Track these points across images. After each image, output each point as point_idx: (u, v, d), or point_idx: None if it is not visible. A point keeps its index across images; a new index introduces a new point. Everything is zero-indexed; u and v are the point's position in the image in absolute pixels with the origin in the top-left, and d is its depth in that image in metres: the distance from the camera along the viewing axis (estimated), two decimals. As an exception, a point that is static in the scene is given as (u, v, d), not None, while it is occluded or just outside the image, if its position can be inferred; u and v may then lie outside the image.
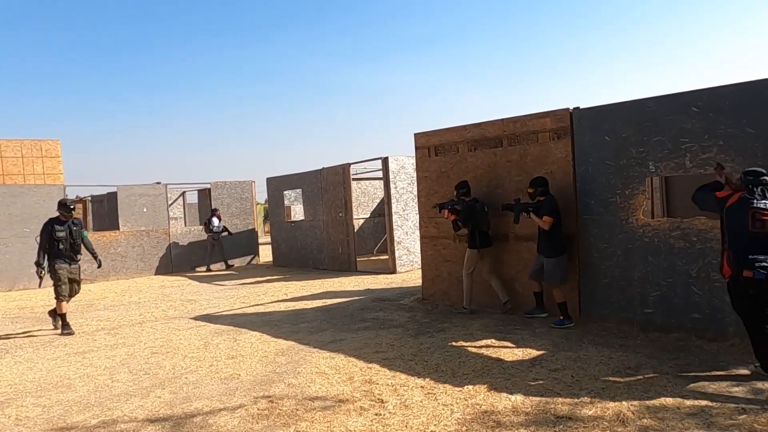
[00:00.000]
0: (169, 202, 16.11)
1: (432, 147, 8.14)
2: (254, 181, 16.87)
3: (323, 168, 13.79)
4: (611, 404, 4.02)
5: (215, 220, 15.29)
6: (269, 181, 15.89)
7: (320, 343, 6.25)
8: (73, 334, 7.48)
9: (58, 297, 7.55)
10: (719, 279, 5.41)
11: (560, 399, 4.19)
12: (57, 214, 7.69)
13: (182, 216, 19.62)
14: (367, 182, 17.72)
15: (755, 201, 4.31)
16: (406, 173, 12.20)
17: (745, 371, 4.58)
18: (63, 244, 7.50)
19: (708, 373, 4.57)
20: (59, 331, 7.65)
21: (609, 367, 4.87)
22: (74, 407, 4.65)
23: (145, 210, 14.82)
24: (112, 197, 16.08)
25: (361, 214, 16.35)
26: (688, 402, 4.00)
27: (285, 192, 15.84)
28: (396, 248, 11.96)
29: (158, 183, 15.24)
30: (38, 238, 7.59)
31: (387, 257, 12.72)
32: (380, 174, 17.28)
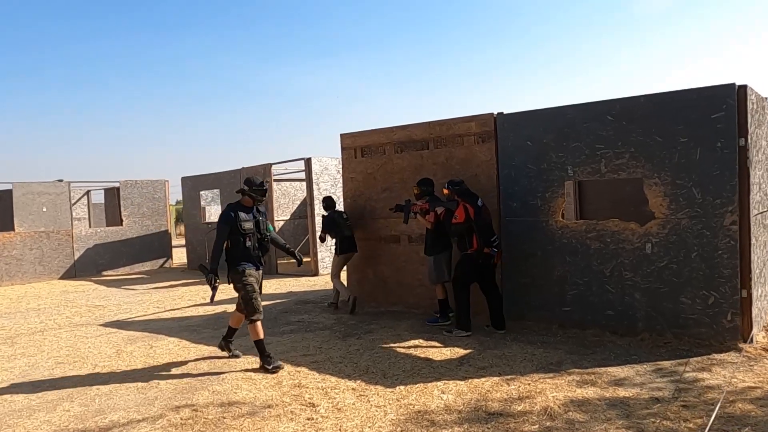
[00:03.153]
0: (73, 202, 15.00)
1: (358, 148, 8.11)
2: (168, 181, 16.10)
3: (243, 168, 13.38)
4: (539, 399, 4.15)
5: None
6: (184, 180, 15.20)
7: (244, 348, 6.01)
8: (281, 367, 5.21)
9: (253, 314, 5.22)
10: (631, 278, 5.77)
11: (490, 396, 4.27)
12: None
13: (87, 216, 18.30)
14: (288, 183, 17.40)
15: (479, 201, 6.13)
16: (329, 174, 12.09)
17: (663, 363, 4.88)
18: (251, 239, 5.35)
19: (622, 367, 4.84)
20: (236, 357, 5.65)
21: (533, 363, 5.04)
22: (-33, 426, 4.18)
23: (44, 210, 13.70)
24: (5, 195, 14.74)
25: (281, 215, 16.02)
26: (608, 394, 4.21)
27: (201, 192, 15.21)
28: (319, 250, 11.80)
29: (60, 181, 14.14)
30: (212, 232, 5.52)
31: (309, 259, 12.53)
32: (301, 175, 17.06)
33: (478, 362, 5.14)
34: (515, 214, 6.58)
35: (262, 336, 5.26)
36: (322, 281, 10.93)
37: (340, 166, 12.40)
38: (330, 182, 12.04)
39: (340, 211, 8.17)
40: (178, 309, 8.70)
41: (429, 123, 7.33)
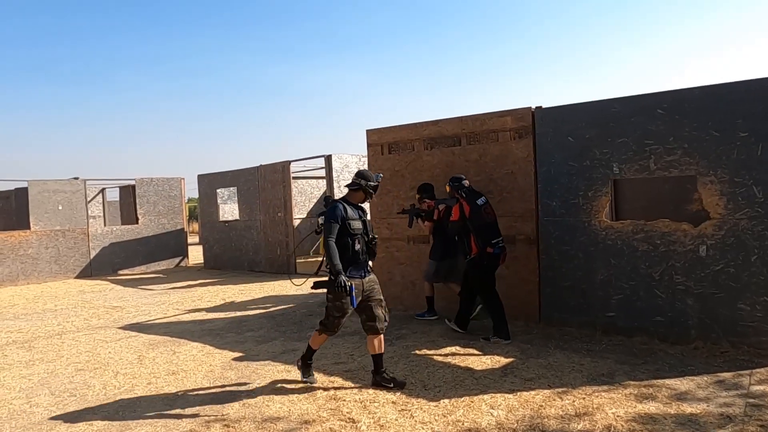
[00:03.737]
0: (88, 200, 14.83)
1: (385, 144, 7.79)
2: (183, 178, 15.89)
3: (261, 165, 13.12)
4: (599, 416, 3.82)
5: None
6: (201, 178, 14.97)
7: (271, 354, 5.73)
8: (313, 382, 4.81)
9: (327, 329, 4.62)
10: (682, 282, 5.41)
11: (544, 412, 3.94)
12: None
13: (102, 215, 18.16)
14: (304, 181, 17.14)
15: (480, 199, 5.86)
16: (350, 172, 11.78)
17: (724, 375, 4.52)
18: (359, 242, 4.62)
19: (681, 379, 4.49)
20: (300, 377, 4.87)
21: (583, 374, 4.70)
22: (-15, 441, 3.93)
23: (60, 208, 13.53)
24: (21, 193, 14.61)
25: (297, 214, 15.76)
26: (672, 411, 3.87)
27: (218, 190, 14.98)
28: (339, 250, 11.50)
29: (76, 178, 13.97)
30: (320, 227, 4.68)
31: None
32: (318, 173, 16.80)
33: (524, 372, 4.81)
34: (554, 214, 6.23)
35: (317, 347, 4.79)
36: (344, 282, 10.63)
37: (361, 163, 12.13)
38: (351, 180, 11.72)
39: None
40: (198, 311, 8.44)
41: (461, 118, 6.99)
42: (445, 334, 6.21)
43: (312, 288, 4.57)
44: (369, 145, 7.99)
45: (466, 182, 6.04)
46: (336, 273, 4.33)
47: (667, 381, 4.45)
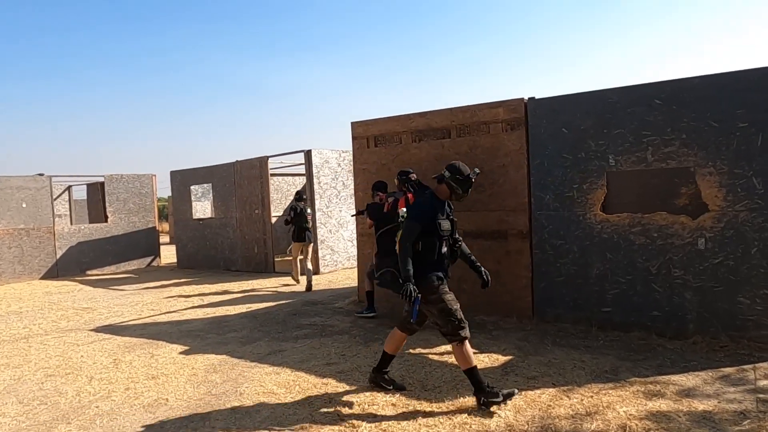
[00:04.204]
0: (53, 197, 14.19)
1: (371, 137, 7.54)
2: (155, 175, 15.35)
3: (237, 161, 12.73)
4: (611, 415, 3.65)
5: None
6: (174, 174, 14.47)
7: (257, 356, 5.44)
8: (514, 394, 4.03)
9: (459, 331, 3.90)
10: (680, 276, 5.31)
11: (553, 411, 3.76)
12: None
13: (68, 213, 17.45)
14: (280, 178, 16.77)
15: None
16: (330, 168, 11.50)
17: (727, 370, 4.42)
18: (446, 244, 4.09)
19: (685, 375, 4.37)
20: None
21: (586, 371, 4.55)
22: (-55, 456, 3.55)
23: (24, 205, 12.89)
24: (-19, 190, 13.88)
25: (273, 211, 15.37)
26: (684, 408, 3.74)
27: (192, 187, 14.50)
28: (319, 247, 11.21)
29: (41, 174, 13.33)
30: (403, 226, 4.05)
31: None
32: (296, 169, 16.45)
33: (524, 371, 4.63)
34: (548, 207, 6.09)
35: (474, 362, 3.89)
36: (325, 280, 10.36)
37: (342, 158, 11.86)
38: (330, 176, 11.45)
39: (302, 207, 9.71)
40: (175, 311, 8.06)
41: (451, 109, 6.80)
42: (437, 332, 6.00)
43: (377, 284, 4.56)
44: (354, 138, 7.74)
45: (414, 176, 5.99)
46: (406, 279, 3.82)
47: (672, 377, 4.33)
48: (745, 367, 4.51)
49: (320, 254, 11.23)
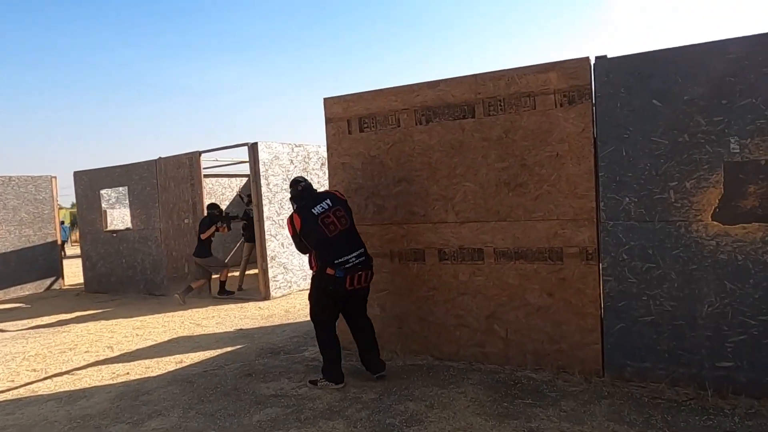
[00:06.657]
0: None
1: (354, 119, 5.41)
2: (55, 177, 12.45)
3: (160, 158, 10.17)
4: None
5: None
6: (78, 176, 11.60)
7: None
8: None
9: None
10: None
11: None
12: None
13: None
14: (214, 180, 14.24)
15: (320, 205, 4.48)
16: (281, 165, 9.22)
17: None
18: None
19: None
20: None
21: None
22: None
23: None
24: None
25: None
26: None
27: (102, 191, 11.73)
28: (270, 265, 8.90)
29: None
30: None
31: (255, 274, 9.59)
32: (236, 168, 13.96)
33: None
34: (628, 216, 4.20)
35: None
36: (279, 308, 8.08)
37: (295, 154, 9.59)
38: (282, 175, 9.16)
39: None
40: (68, 373, 5.56)
41: (476, 76, 4.78)
42: (476, 404, 3.93)
43: None
44: (329, 121, 5.56)
45: (302, 185, 4.67)
46: None
47: None
48: None
49: (270, 274, 8.91)
